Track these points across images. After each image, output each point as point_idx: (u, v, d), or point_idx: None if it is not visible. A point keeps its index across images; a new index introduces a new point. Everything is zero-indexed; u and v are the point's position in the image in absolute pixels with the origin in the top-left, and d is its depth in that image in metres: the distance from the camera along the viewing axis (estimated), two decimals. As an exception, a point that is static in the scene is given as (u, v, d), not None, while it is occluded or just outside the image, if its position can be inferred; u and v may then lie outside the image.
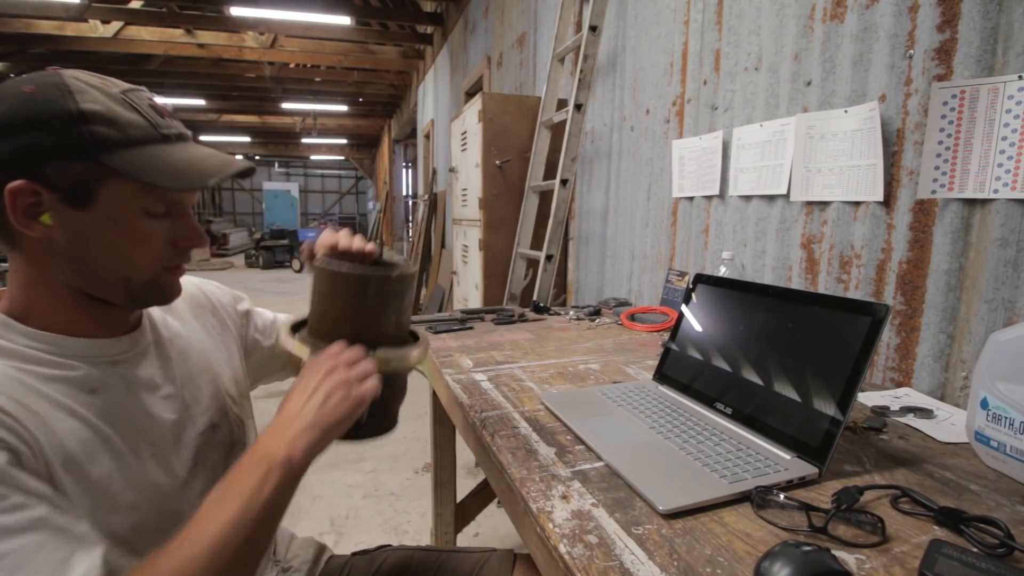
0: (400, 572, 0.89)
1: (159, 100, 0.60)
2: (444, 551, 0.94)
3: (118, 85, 0.58)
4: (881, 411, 0.90)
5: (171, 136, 0.59)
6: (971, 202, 0.95)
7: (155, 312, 0.70)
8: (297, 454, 0.54)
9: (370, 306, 0.67)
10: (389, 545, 0.97)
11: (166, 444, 0.63)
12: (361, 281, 0.66)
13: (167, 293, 0.63)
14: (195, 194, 0.64)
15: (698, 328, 0.93)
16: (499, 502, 1.94)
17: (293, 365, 0.88)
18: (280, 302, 7.25)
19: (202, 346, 0.74)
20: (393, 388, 0.69)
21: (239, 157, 0.62)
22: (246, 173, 0.62)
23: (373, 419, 0.64)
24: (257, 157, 17.95)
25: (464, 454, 2.10)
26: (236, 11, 5.68)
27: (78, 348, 0.58)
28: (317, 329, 0.68)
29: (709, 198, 1.62)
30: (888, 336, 1.09)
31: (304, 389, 0.59)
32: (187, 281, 0.76)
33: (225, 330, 0.81)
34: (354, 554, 0.95)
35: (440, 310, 4.98)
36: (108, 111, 0.54)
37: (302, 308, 0.74)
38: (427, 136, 6.98)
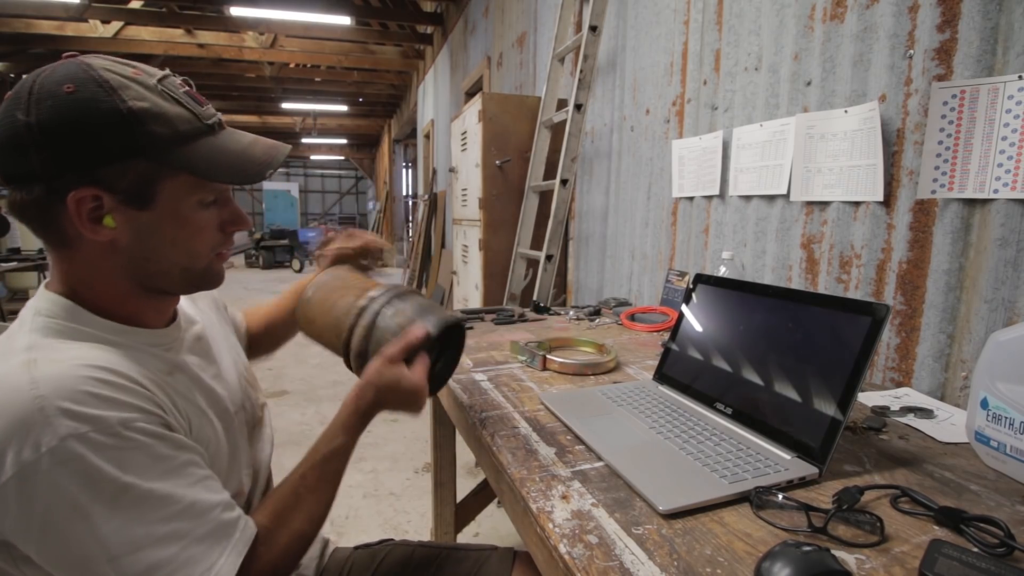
0: (401, 567, 0.90)
1: (188, 84, 0.60)
2: (445, 547, 0.95)
3: (150, 73, 0.57)
4: (881, 411, 0.90)
5: (215, 125, 0.60)
6: (971, 202, 0.95)
7: (183, 303, 0.72)
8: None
9: None
10: (391, 539, 0.97)
11: (229, 417, 0.68)
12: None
13: (217, 278, 0.66)
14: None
15: (698, 328, 0.93)
16: (499, 502, 1.94)
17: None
18: (280, 302, 7.23)
19: (221, 334, 0.78)
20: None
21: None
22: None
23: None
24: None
25: (464, 454, 2.10)
26: (236, 11, 5.68)
27: (143, 337, 0.61)
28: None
29: (709, 198, 1.62)
30: (888, 336, 1.09)
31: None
32: None
33: (224, 320, 0.85)
34: (356, 548, 0.95)
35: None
36: (155, 107, 0.54)
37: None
38: (427, 136, 6.98)
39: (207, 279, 0.64)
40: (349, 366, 0.76)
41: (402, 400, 0.69)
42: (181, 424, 0.57)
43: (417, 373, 0.69)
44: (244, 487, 0.70)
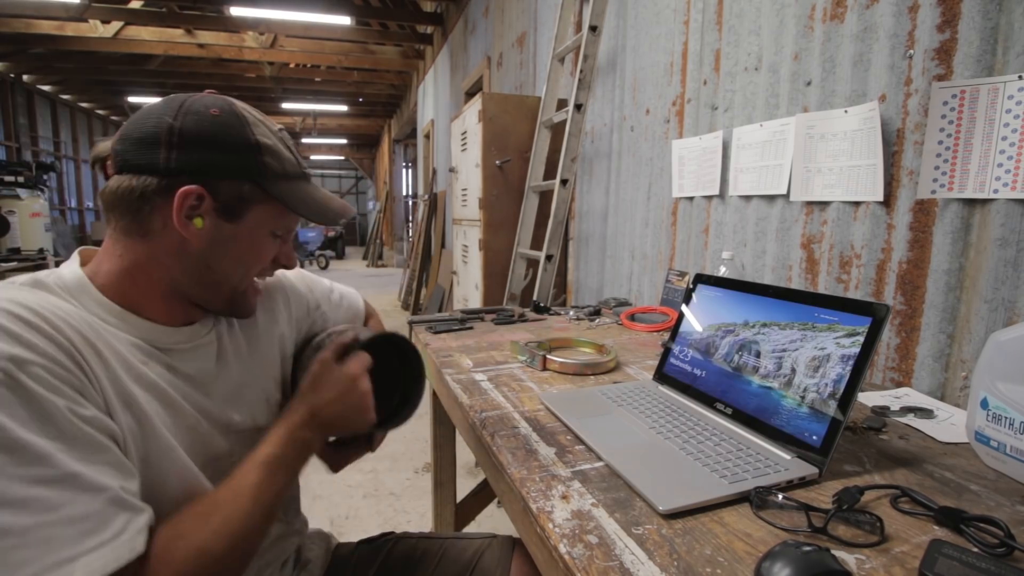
0: (406, 559, 0.91)
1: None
2: (447, 537, 0.96)
3: (273, 124, 0.68)
4: (881, 411, 0.90)
5: (307, 175, 0.70)
6: (971, 202, 0.95)
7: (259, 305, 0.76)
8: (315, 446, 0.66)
9: None
10: (393, 532, 0.98)
11: (204, 431, 0.65)
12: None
13: (248, 310, 0.71)
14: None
15: (698, 328, 0.93)
16: (499, 502, 1.94)
17: None
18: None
19: (267, 341, 0.79)
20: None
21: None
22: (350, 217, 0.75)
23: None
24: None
25: (464, 454, 2.10)
26: (236, 11, 5.68)
27: (148, 329, 0.62)
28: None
29: (709, 198, 1.62)
30: (888, 336, 1.09)
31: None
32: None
33: (289, 322, 0.84)
34: (359, 543, 0.96)
35: (440, 310, 4.98)
36: (274, 146, 0.65)
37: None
38: (427, 136, 6.98)
39: (241, 306, 0.70)
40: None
41: (337, 396, 0.66)
42: (100, 402, 0.52)
43: (351, 365, 0.68)
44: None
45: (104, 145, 0.63)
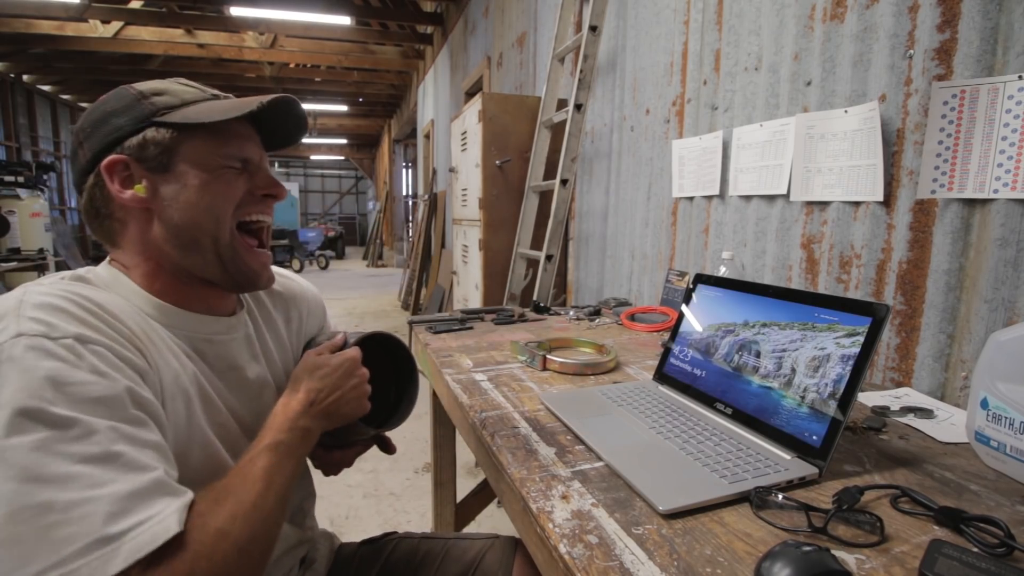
0: (408, 559, 0.91)
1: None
2: (449, 538, 0.96)
3: (181, 82, 0.67)
4: (881, 411, 0.90)
5: (217, 95, 0.68)
6: (971, 202, 0.95)
7: (258, 309, 0.77)
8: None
9: None
10: (395, 532, 0.98)
11: (232, 429, 0.67)
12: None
13: (253, 276, 0.68)
14: (264, 153, 0.70)
15: (698, 328, 0.93)
16: (499, 502, 1.94)
17: None
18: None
19: (283, 347, 0.80)
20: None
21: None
22: (289, 106, 0.68)
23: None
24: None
25: (464, 454, 2.10)
26: (236, 11, 5.68)
27: (180, 318, 0.64)
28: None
29: (709, 198, 1.62)
30: (888, 336, 1.09)
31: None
32: (293, 277, 0.88)
33: (300, 334, 0.85)
34: (362, 543, 0.96)
35: (440, 310, 4.98)
36: (165, 88, 0.65)
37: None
38: (427, 136, 6.98)
39: (242, 271, 0.67)
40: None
41: (333, 383, 0.67)
42: (153, 386, 0.54)
43: (344, 353, 0.71)
44: None
45: None
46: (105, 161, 0.61)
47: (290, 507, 0.75)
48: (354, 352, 0.71)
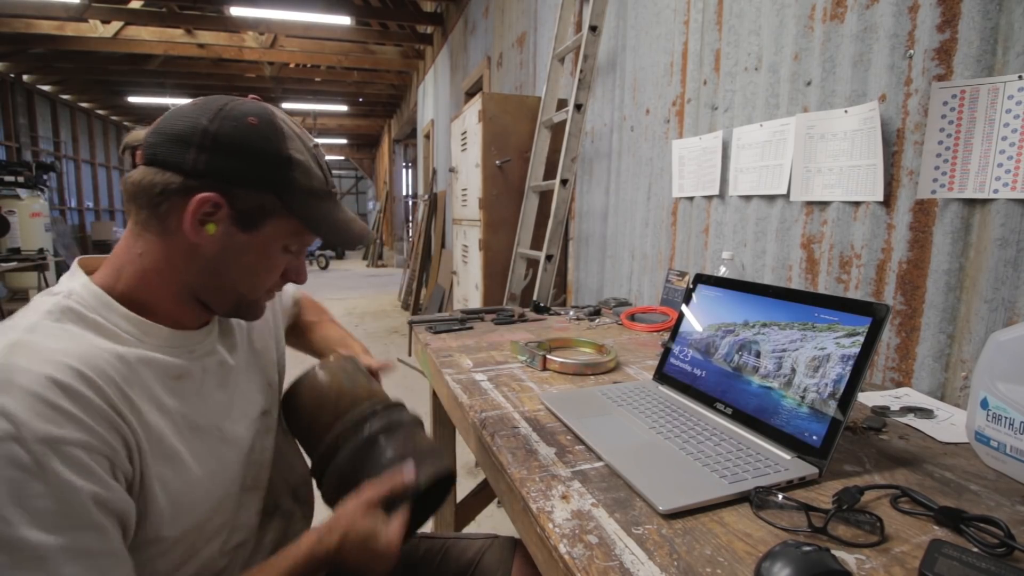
0: (407, 558, 0.91)
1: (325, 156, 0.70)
2: (449, 537, 0.96)
3: (309, 137, 0.67)
4: (881, 411, 0.90)
5: (333, 194, 0.69)
6: (971, 202, 0.95)
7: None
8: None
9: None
10: None
11: (231, 428, 0.68)
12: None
13: (257, 314, 0.71)
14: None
15: (698, 328, 0.93)
16: (499, 502, 1.94)
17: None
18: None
19: (257, 335, 0.79)
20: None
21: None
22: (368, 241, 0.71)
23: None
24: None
25: (464, 454, 2.10)
26: (236, 11, 5.68)
27: (167, 337, 0.63)
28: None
29: (709, 198, 1.62)
30: (888, 336, 1.09)
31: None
32: None
33: (275, 315, 0.86)
34: None
35: (440, 310, 4.98)
36: (305, 162, 0.64)
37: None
38: (427, 136, 6.98)
39: (251, 311, 0.70)
40: (319, 481, 0.73)
41: (367, 560, 0.64)
42: (126, 471, 0.53)
43: (393, 531, 0.64)
44: (252, 512, 0.71)
45: (137, 134, 0.62)
46: (204, 195, 0.58)
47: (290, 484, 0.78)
48: (398, 537, 0.64)
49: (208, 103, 0.61)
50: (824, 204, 1.23)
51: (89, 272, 0.62)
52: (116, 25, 6.02)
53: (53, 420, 0.48)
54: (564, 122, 2.14)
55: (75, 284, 0.60)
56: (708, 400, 0.84)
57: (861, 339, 0.67)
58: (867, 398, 0.97)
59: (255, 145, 0.60)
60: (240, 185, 0.60)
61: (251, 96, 0.65)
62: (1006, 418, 0.64)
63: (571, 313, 1.68)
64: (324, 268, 11.98)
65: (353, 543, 0.63)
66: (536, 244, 2.38)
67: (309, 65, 8.09)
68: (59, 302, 0.57)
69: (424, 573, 0.89)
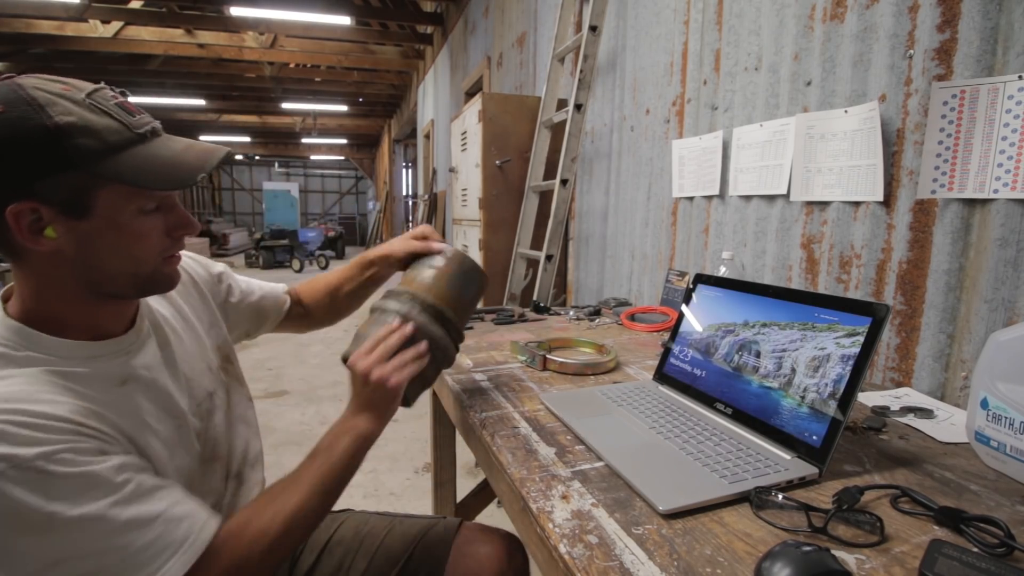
0: (354, 533, 0.95)
1: (122, 95, 0.61)
2: (397, 516, 1.00)
3: (81, 88, 0.57)
4: (881, 411, 0.90)
5: (146, 134, 0.60)
6: (971, 202, 0.95)
7: (147, 299, 0.73)
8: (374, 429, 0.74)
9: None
10: (350, 509, 1.01)
11: (184, 417, 0.69)
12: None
13: (170, 282, 0.67)
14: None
15: (698, 328, 0.93)
16: (499, 502, 1.94)
17: (270, 321, 1.00)
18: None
19: (188, 321, 0.79)
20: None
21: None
22: (226, 159, 0.67)
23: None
24: (257, 157, 17.95)
25: (464, 454, 2.10)
26: (236, 11, 5.68)
27: (95, 349, 0.62)
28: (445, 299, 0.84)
29: (709, 198, 1.62)
30: (888, 336, 1.09)
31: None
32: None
33: (204, 300, 0.85)
34: None
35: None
36: (82, 120, 0.55)
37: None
38: (427, 136, 6.98)
39: (158, 283, 0.66)
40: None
41: (370, 396, 0.74)
42: (121, 445, 0.58)
43: (389, 367, 0.74)
44: (218, 478, 0.75)
45: None
46: (13, 208, 0.53)
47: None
48: (387, 376, 0.74)
49: None
50: (824, 204, 1.23)
51: (5, 300, 0.61)
52: (116, 25, 6.01)
53: (27, 442, 0.50)
54: (564, 122, 2.14)
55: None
56: (708, 400, 0.84)
57: (861, 339, 0.67)
58: (867, 398, 0.97)
59: (17, 134, 0.52)
60: (32, 181, 0.54)
61: (2, 79, 0.56)
62: (1006, 418, 0.64)
63: (571, 313, 1.68)
64: (324, 268, 11.99)
65: (355, 389, 0.74)
66: (536, 244, 2.38)
67: (309, 65, 8.10)
68: None
69: (370, 545, 0.92)
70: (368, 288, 1.01)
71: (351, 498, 2.20)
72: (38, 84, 0.55)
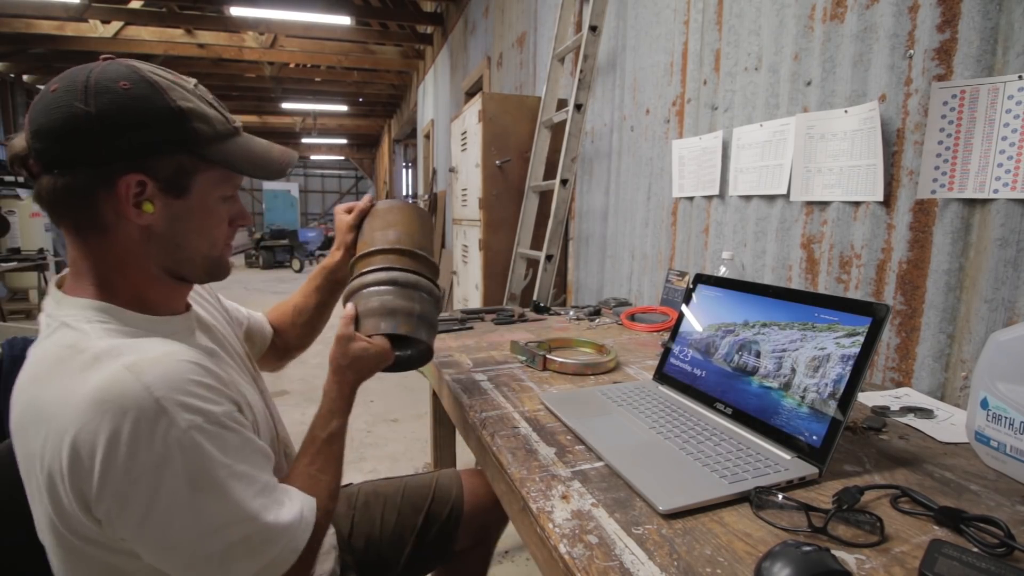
0: (374, 496, 1.02)
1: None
2: (403, 477, 1.09)
3: (186, 79, 0.63)
4: (881, 411, 0.90)
5: (239, 128, 0.66)
6: (971, 202, 0.95)
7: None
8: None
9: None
10: (351, 483, 1.04)
11: (261, 391, 0.77)
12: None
13: (227, 268, 0.71)
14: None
15: (698, 328, 0.93)
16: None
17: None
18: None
19: (213, 315, 0.81)
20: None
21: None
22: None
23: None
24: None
25: (464, 454, 2.10)
26: (236, 11, 5.68)
27: (172, 325, 0.65)
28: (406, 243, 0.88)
29: (709, 198, 1.62)
30: (888, 336, 1.09)
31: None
32: None
33: (217, 300, 0.88)
34: None
35: (440, 310, 4.97)
36: (198, 108, 0.60)
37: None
38: (427, 136, 6.98)
39: (221, 267, 0.70)
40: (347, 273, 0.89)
41: (371, 364, 0.79)
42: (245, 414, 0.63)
43: (376, 342, 0.79)
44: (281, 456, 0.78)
45: (17, 143, 0.57)
46: (127, 177, 0.56)
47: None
48: (383, 343, 0.80)
49: (68, 85, 0.55)
50: (824, 204, 1.23)
51: (59, 288, 0.61)
52: (116, 25, 6.01)
53: (214, 399, 0.55)
54: (564, 122, 2.14)
55: (81, 312, 0.58)
56: (708, 400, 0.84)
57: (861, 339, 0.67)
58: (867, 398, 0.97)
59: (143, 110, 0.56)
60: (150, 155, 0.57)
61: (102, 57, 0.59)
62: (1006, 418, 0.64)
63: (571, 313, 1.68)
64: (324, 268, 11.96)
65: (355, 364, 0.77)
66: (536, 244, 2.38)
67: (309, 65, 8.09)
68: (90, 329, 0.56)
69: (393, 500, 1.01)
70: (327, 296, 1.01)
71: (351, 498, 2.20)
72: (153, 69, 0.60)
